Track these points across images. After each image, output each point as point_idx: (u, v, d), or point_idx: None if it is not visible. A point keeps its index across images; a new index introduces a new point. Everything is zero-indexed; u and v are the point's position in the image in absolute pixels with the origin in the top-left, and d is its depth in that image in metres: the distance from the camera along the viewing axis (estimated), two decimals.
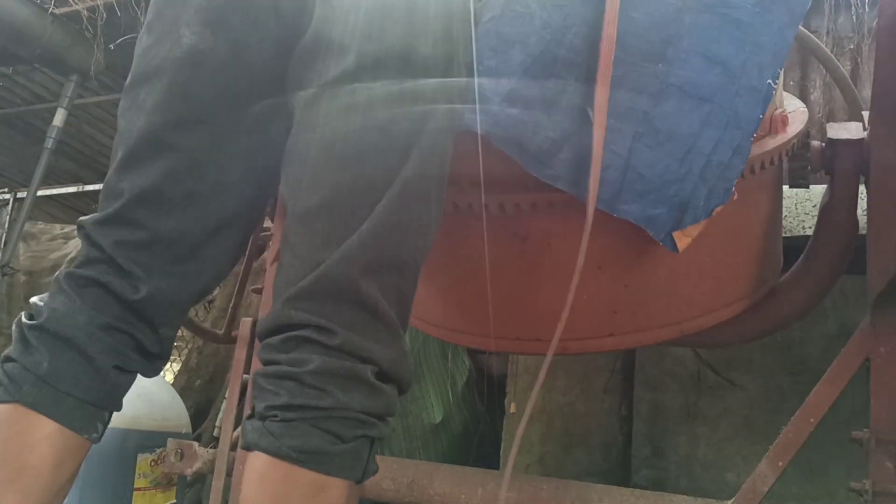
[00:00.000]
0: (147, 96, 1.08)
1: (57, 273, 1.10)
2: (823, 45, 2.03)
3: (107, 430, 2.41)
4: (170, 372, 4.01)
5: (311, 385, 0.93)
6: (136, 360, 1.10)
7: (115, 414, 1.12)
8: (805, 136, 1.49)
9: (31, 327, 1.03)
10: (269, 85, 1.09)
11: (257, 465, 0.94)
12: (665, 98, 1.12)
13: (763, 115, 1.15)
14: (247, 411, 1.77)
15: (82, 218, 1.10)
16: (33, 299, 1.08)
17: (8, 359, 1.02)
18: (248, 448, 0.95)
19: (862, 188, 1.52)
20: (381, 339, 0.98)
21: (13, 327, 1.06)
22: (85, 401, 1.03)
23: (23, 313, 1.06)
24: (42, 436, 1.00)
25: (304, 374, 0.93)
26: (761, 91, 1.14)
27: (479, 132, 1.15)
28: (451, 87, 1.05)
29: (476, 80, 1.12)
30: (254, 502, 0.94)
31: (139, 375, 1.13)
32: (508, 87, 1.12)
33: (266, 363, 0.97)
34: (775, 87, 1.15)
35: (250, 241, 2.10)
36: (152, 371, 1.16)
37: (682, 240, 1.15)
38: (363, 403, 0.95)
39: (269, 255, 1.94)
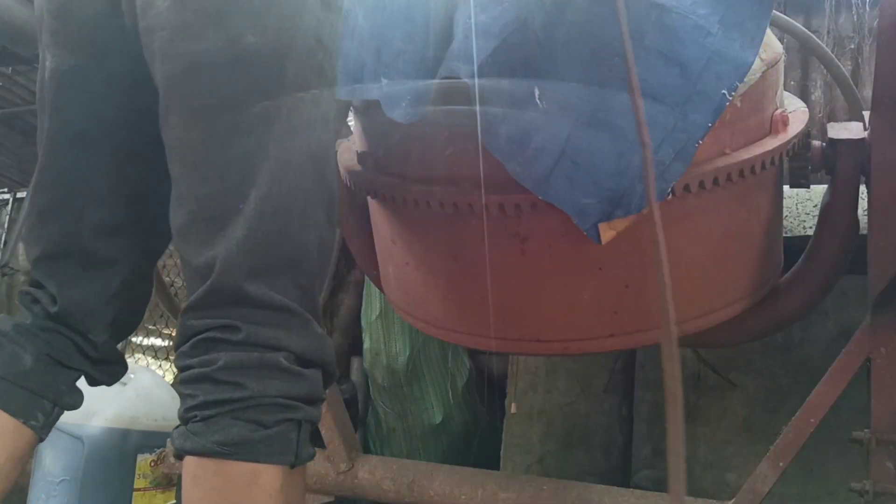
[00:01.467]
0: (41, 119, 1.19)
1: None
2: (824, 45, 2.02)
3: (106, 430, 2.41)
4: (170, 372, 4.01)
5: (225, 381, 0.95)
6: (79, 360, 1.21)
7: (114, 414, 1.19)
8: (806, 135, 1.49)
9: None
10: (137, 90, 1.13)
11: (189, 468, 0.96)
12: (615, 92, 1.12)
13: (713, 124, 1.14)
14: None
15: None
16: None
17: None
18: (178, 456, 0.97)
19: (863, 188, 1.52)
20: (290, 328, 1.00)
21: None
22: (19, 385, 1.14)
23: None
24: None
25: (216, 372, 0.96)
26: (715, 100, 1.14)
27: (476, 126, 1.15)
28: (317, 68, 1.07)
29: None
30: (191, 502, 0.95)
31: (141, 377, 1.21)
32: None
33: (180, 370, 1.00)
34: (730, 99, 1.15)
35: None
36: (106, 377, 1.25)
37: (607, 232, 1.15)
38: (280, 388, 0.97)
39: None
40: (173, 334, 4.39)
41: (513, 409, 2.35)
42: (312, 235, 1.05)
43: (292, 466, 0.98)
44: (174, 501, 2.56)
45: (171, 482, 2.54)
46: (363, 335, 2.55)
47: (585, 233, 1.15)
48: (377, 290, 2.26)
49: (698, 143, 1.14)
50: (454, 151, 1.30)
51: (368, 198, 1.56)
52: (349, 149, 1.64)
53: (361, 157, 1.53)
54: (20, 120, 5.60)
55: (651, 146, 1.08)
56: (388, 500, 1.70)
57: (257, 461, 0.94)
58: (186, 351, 0.99)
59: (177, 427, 0.99)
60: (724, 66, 1.14)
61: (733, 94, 1.15)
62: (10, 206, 4.96)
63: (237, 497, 0.94)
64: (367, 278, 2.41)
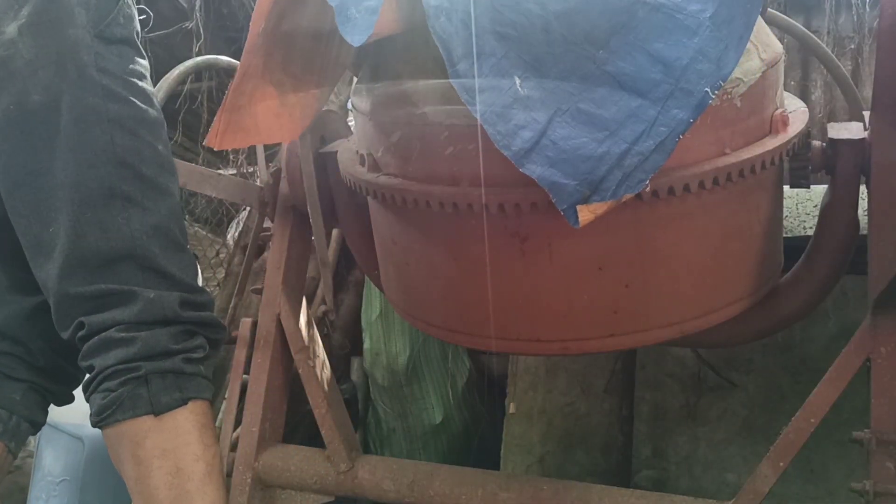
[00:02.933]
0: None
1: None
2: (824, 45, 2.03)
3: None
4: None
5: (84, 367, 1.17)
6: (23, 369, 1.36)
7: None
8: (806, 135, 1.49)
9: None
10: None
11: None
12: (597, 84, 1.14)
13: (694, 120, 1.15)
14: (246, 412, 1.77)
15: None
16: None
17: None
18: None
19: (863, 188, 1.52)
20: (122, 304, 1.16)
21: None
22: None
23: None
24: None
25: (80, 363, 1.18)
26: (697, 97, 1.14)
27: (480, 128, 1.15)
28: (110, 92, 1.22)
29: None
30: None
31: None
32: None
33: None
34: (713, 97, 1.15)
35: (250, 242, 2.11)
36: (55, 397, 1.43)
37: (586, 215, 1.16)
38: (118, 356, 1.14)
39: (269, 255, 1.94)
40: None
41: (511, 409, 2.35)
42: (135, 225, 1.20)
43: (156, 414, 1.14)
44: None
45: None
46: (363, 335, 2.55)
47: (563, 212, 1.15)
48: (377, 290, 2.26)
49: (679, 137, 1.15)
50: (454, 151, 1.30)
51: (368, 198, 1.56)
52: (349, 149, 1.65)
53: (361, 157, 1.53)
54: None
55: None
56: (388, 500, 1.70)
57: (117, 421, 1.14)
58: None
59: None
60: (707, 65, 1.15)
61: (716, 92, 1.16)
62: None
63: (116, 454, 1.15)
64: (367, 278, 2.41)
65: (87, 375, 1.17)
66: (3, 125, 1.16)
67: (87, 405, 1.20)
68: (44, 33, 1.15)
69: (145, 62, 1.30)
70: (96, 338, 1.15)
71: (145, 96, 1.26)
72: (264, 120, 1.42)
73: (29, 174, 1.17)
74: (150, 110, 1.26)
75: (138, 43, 1.30)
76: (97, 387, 1.15)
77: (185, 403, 1.18)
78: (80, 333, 1.16)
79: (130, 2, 1.29)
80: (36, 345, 1.36)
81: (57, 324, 1.20)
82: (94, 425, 1.16)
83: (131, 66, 1.25)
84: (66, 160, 1.16)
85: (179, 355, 1.18)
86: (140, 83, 1.26)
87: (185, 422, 1.17)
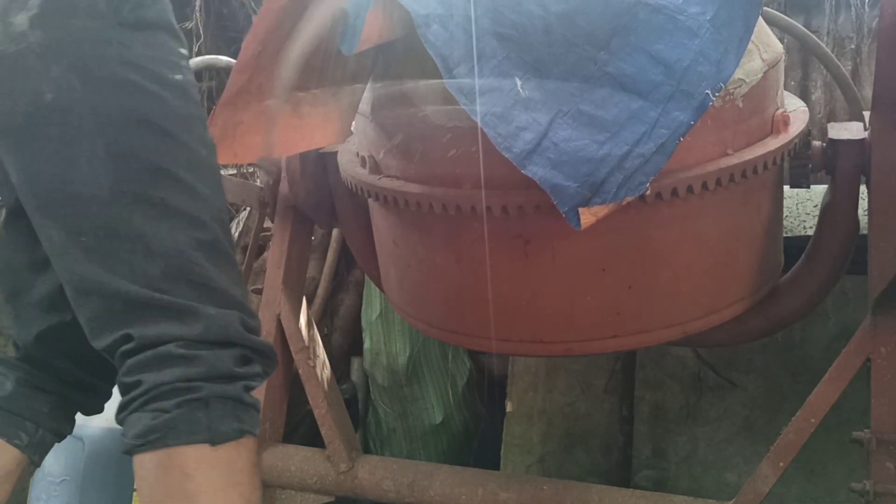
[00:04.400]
0: None
1: None
2: (824, 45, 2.03)
3: (107, 431, 2.41)
4: None
5: (128, 382, 1.03)
6: (55, 383, 1.29)
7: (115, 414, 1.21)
8: (806, 135, 1.49)
9: None
10: None
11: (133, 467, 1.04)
12: (598, 85, 1.14)
13: (695, 122, 1.15)
14: None
15: None
16: None
17: None
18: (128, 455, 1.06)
19: (863, 188, 1.52)
20: (181, 320, 1.04)
21: None
22: (2, 408, 1.24)
23: None
24: None
25: (121, 378, 1.03)
26: (697, 98, 1.15)
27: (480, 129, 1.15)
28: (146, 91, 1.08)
29: None
30: (140, 500, 1.04)
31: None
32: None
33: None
34: (713, 99, 1.15)
35: (251, 242, 2.10)
36: (84, 407, 1.37)
37: (587, 217, 1.16)
38: (176, 374, 1.01)
39: (269, 255, 1.94)
40: None
41: (509, 407, 2.35)
42: (181, 237, 1.07)
43: (212, 443, 1.00)
44: None
45: None
46: (363, 335, 2.55)
47: (565, 215, 1.15)
48: (377, 290, 2.26)
49: (680, 139, 1.15)
50: (456, 153, 1.30)
51: (369, 200, 1.56)
52: (349, 150, 1.64)
53: (362, 159, 1.53)
54: None
55: None
56: (388, 500, 1.70)
57: (166, 446, 0.99)
58: (118, 373, 1.07)
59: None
60: (708, 66, 1.15)
61: (717, 94, 1.16)
62: None
63: (158, 483, 1.00)
64: (367, 278, 2.41)
65: (132, 392, 1.02)
66: (22, 129, 1.05)
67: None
68: (56, 24, 1.02)
69: (182, 48, 1.15)
70: (150, 352, 1.01)
71: (180, 90, 1.11)
72: (285, 133, 1.42)
73: (55, 184, 1.05)
74: (186, 105, 1.11)
75: (174, 24, 1.14)
76: (145, 405, 1.00)
77: (242, 436, 1.04)
78: (126, 347, 1.02)
79: None
80: (63, 364, 1.29)
81: (92, 333, 1.07)
82: (134, 448, 1.01)
83: (162, 54, 1.10)
84: (91, 168, 1.04)
85: (241, 381, 1.06)
86: (173, 75, 1.10)
87: (239, 458, 1.04)
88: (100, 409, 1.40)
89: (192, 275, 1.05)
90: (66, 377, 1.29)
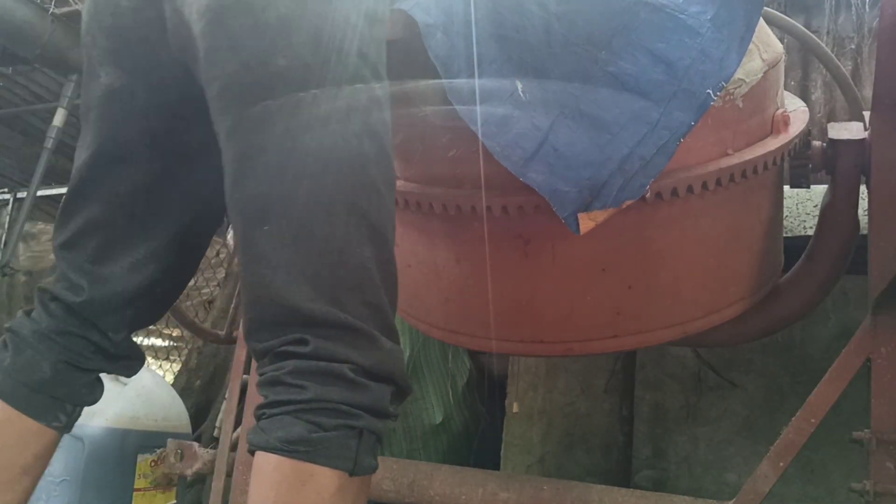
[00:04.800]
0: (85, 133, 1.21)
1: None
2: (824, 45, 2.02)
3: (107, 431, 2.41)
4: (170, 372, 4.01)
5: (291, 383, 0.99)
6: (96, 360, 1.24)
7: (114, 414, 1.21)
8: (806, 135, 1.49)
9: (6, 329, 1.22)
10: (193, 108, 1.14)
11: (255, 462, 1.00)
12: (600, 85, 1.13)
13: (696, 122, 1.14)
14: (246, 412, 1.77)
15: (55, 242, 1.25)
16: (20, 311, 1.25)
17: None
18: (249, 450, 1.01)
19: (863, 188, 1.52)
20: (356, 344, 1.01)
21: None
22: (38, 391, 1.19)
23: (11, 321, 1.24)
24: (6, 421, 1.17)
25: (284, 375, 0.99)
26: (699, 98, 1.14)
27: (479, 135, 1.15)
28: (372, 94, 1.05)
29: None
30: (253, 496, 0.99)
31: (142, 378, 1.22)
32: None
33: (258, 376, 1.05)
34: (714, 98, 1.15)
35: None
36: (125, 370, 1.30)
37: (586, 222, 1.15)
38: (343, 396, 0.99)
39: None
40: (174, 335, 4.40)
41: (515, 409, 2.35)
42: (367, 251, 1.04)
43: (351, 474, 0.99)
44: (174, 502, 2.56)
45: (171, 482, 2.53)
46: None
47: (564, 220, 1.15)
48: None
49: (681, 140, 1.15)
50: (456, 154, 1.30)
51: None
52: None
53: None
54: (20, 120, 5.59)
55: None
56: (388, 500, 1.70)
57: (314, 462, 0.97)
58: (266, 363, 1.04)
59: (252, 426, 1.04)
60: (710, 65, 1.15)
61: (718, 93, 1.16)
62: (10, 206, 4.95)
63: (290, 494, 0.97)
64: None
65: (292, 395, 0.98)
66: (236, 91, 1.00)
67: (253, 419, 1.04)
68: None
69: None
70: (323, 364, 0.99)
71: (387, 98, 1.07)
72: None
73: (259, 153, 1.00)
74: (389, 112, 1.07)
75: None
76: (303, 413, 0.97)
77: (373, 472, 1.04)
78: (300, 349, 0.99)
79: None
80: (119, 334, 1.24)
81: (256, 322, 1.03)
82: (278, 450, 0.97)
83: (384, 58, 1.07)
84: (308, 154, 0.99)
85: (388, 419, 1.05)
86: (385, 83, 1.07)
87: (361, 492, 1.04)
88: (128, 375, 1.34)
89: (367, 293, 1.03)
90: (110, 350, 1.24)
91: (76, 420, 1.25)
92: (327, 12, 1.02)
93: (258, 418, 1.01)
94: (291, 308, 1.00)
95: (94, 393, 1.26)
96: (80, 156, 1.21)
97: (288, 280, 1.00)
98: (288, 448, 0.97)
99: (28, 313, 1.23)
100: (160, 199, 1.23)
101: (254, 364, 1.80)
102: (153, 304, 1.29)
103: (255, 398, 1.76)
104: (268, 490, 0.98)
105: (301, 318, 1.00)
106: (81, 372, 1.22)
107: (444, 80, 1.14)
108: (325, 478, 0.97)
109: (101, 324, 1.22)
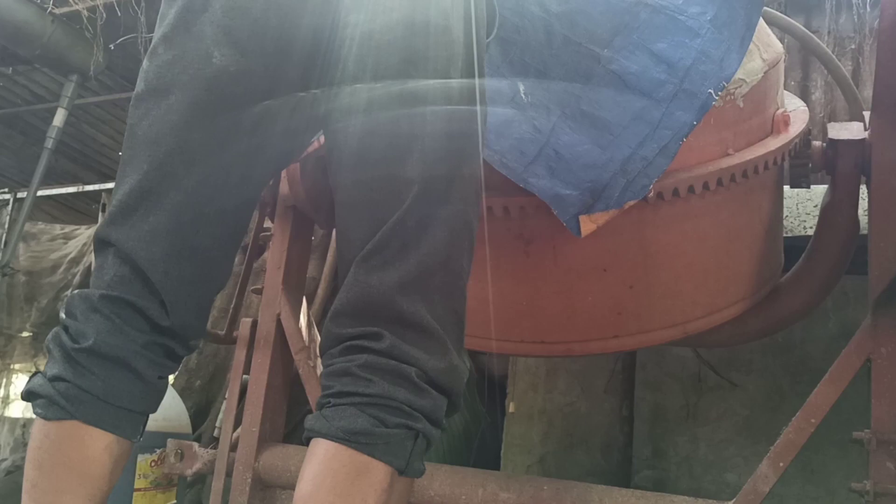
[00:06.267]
0: (170, 111, 1.10)
1: (76, 291, 1.14)
2: (825, 46, 2.02)
3: None
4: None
5: (360, 376, 1.01)
6: (171, 365, 1.19)
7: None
8: (806, 135, 1.49)
9: (79, 350, 1.09)
10: (287, 92, 1.12)
11: (313, 447, 1.01)
12: (602, 84, 1.14)
13: (697, 122, 1.15)
14: (246, 412, 1.77)
15: (104, 232, 1.12)
16: (65, 318, 1.12)
17: (59, 378, 1.08)
18: (307, 437, 1.03)
19: (863, 188, 1.52)
20: (429, 350, 1.04)
21: (50, 345, 1.10)
22: (136, 411, 1.13)
23: (60, 333, 1.11)
24: (102, 447, 1.10)
25: (354, 367, 1.01)
26: (700, 98, 1.14)
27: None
28: (480, 110, 1.07)
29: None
30: (306, 479, 1.01)
31: None
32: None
33: (326, 367, 1.06)
34: (716, 98, 1.15)
35: (250, 242, 2.10)
36: (177, 368, 1.24)
37: (588, 225, 1.16)
38: (407, 397, 1.01)
39: (269, 255, 1.94)
40: None
41: (511, 409, 2.35)
42: (466, 264, 1.08)
43: (402, 473, 1.02)
44: (174, 502, 2.56)
45: (171, 482, 2.53)
46: None
47: (565, 224, 1.15)
48: None
49: (682, 140, 1.15)
50: None
51: None
52: None
53: None
54: (20, 120, 5.60)
55: None
56: None
57: (372, 455, 0.99)
58: (335, 353, 1.05)
59: (312, 413, 1.05)
60: (710, 66, 1.15)
61: (719, 93, 1.16)
62: (10, 206, 4.95)
63: (345, 482, 0.99)
64: None
65: (360, 388, 1.00)
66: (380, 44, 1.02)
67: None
68: None
69: None
70: (393, 362, 1.01)
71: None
72: None
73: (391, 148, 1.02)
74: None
75: None
76: (369, 406, 1.00)
77: (420, 476, 1.07)
78: (376, 345, 1.01)
79: None
80: (192, 340, 1.19)
81: (348, 306, 1.03)
82: (338, 439, 0.99)
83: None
84: (462, 157, 1.03)
85: (440, 429, 1.07)
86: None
87: (405, 492, 1.10)
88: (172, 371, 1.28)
89: (456, 302, 1.08)
90: (183, 353, 1.20)
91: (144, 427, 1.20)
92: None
93: (321, 406, 1.03)
94: (386, 301, 1.02)
95: (157, 402, 1.20)
96: (163, 136, 1.11)
97: (397, 281, 1.02)
98: (350, 438, 0.99)
99: (74, 318, 1.11)
100: (233, 177, 1.16)
101: (255, 361, 1.80)
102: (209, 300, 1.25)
103: (256, 397, 1.76)
104: (324, 476, 1.00)
105: (389, 313, 1.02)
106: (165, 381, 1.20)
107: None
108: (379, 472, 1.00)
109: (186, 334, 1.17)
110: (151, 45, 1.14)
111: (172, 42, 1.11)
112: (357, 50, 1.04)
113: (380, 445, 1.00)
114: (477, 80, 1.06)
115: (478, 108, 1.05)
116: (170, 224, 1.10)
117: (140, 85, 1.13)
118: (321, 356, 1.08)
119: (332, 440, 0.99)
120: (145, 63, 1.13)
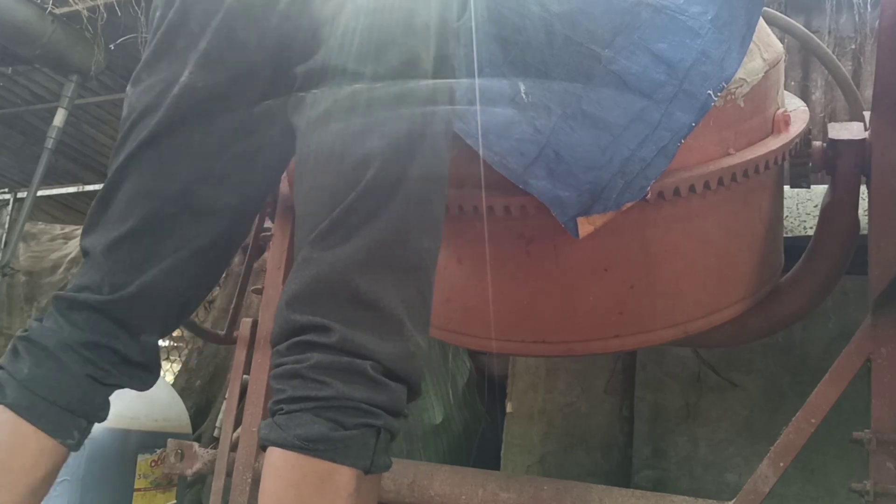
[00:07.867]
0: (143, 127, 1.14)
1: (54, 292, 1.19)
2: (825, 45, 2.02)
3: (107, 431, 2.40)
4: (170, 372, 4.01)
5: (312, 378, 0.97)
6: (118, 373, 1.19)
7: (115, 414, 1.17)
8: (807, 135, 1.49)
9: (20, 338, 1.14)
10: (262, 94, 1.14)
11: (269, 458, 0.98)
12: (603, 85, 1.13)
13: (697, 123, 1.15)
14: (246, 412, 1.77)
15: (82, 239, 1.18)
16: (31, 320, 1.18)
17: (0, 367, 1.12)
18: (262, 445, 0.99)
19: (863, 188, 1.52)
20: (384, 335, 1.01)
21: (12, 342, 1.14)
22: (58, 405, 1.12)
23: (21, 329, 1.16)
24: (21, 437, 1.10)
25: (305, 369, 0.98)
26: (700, 99, 1.14)
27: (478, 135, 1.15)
28: (446, 90, 1.06)
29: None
30: (268, 493, 0.98)
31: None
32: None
33: (274, 367, 1.02)
34: (715, 99, 1.15)
35: (251, 242, 2.10)
36: (141, 384, 1.25)
37: (585, 226, 1.16)
38: (365, 395, 0.98)
39: (269, 255, 1.94)
40: (174, 334, 4.39)
41: (509, 409, 2.35)
42: (427, 244, 1.05)
43: (367, 472, 0.99)
44: (174, 502, 2.56)
45: (171, 482, 2.53)
46: None
47: (563, 225, 1.15)
48: None
49: (681, 141, 1.15)
50: (459, 154, 1.30)
51: None
52: None
53: None
54: (20, 120, 5.60)
55: None
56: (388, 500, 1.70)
57: (333, 461, 0.96)
58: (282, 351, 1.02)
59: (265, 420, 1.02)
60: (710, 66, 1.15)
61: (719, 94, 1.16)
62: (10, 206, 4.95)
63: (310, 493, 0.96)
64: None
65: (312, 391, 0.97)
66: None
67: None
68: None
69: None
70: (345, 358, 0.97)
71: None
72: None
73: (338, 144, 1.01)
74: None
75: None
76: (325, 411, 0.97)
77: (387, 470, 1.04)
78: (325, 339, 0.98)
79: None
80: (152, 337, 1.21)
81: (306, 290, 1.00)
82: (297, 448, 0.96)
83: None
84: (424, 135, 1.02)
85: (402, 419, 1.04)
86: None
87: (373, 489, 1.07)
88: (142, 389, 1.31)
89: (421, 281, 1.04)
90: (134, 357, 1.21)
91: (86, 438, 1.19)
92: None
93: (274, 413, 0.99)
94: (344, 278, 0.99)
95: (106, 409, 1.22)
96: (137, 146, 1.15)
97: (353, 256, 0.99)
98: (308, 446, 0.95)
99: (40, 321, 1.16)
100: (210, 198, 1.19)
101: (255, 361, 1.80)
102: (182, 308, 1.26)
103: (256, 397, 1.76)
104: (286, 489, 0.96)
105: (346, 293, 0.99)
106: (102, 387, 1.18)
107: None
108: (344, 476, 0.97)
109: (136, 323, 1.18)
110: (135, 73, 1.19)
111: (153, 67, 1.17)
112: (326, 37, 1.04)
113: (340, 449, 0.96)
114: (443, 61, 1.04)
115: (445, 82, 1.04)
116: (136, 231, 1.15)
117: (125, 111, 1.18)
118: (271, 347, 1.04)
119: (290, 450, 0.96)
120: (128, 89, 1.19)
